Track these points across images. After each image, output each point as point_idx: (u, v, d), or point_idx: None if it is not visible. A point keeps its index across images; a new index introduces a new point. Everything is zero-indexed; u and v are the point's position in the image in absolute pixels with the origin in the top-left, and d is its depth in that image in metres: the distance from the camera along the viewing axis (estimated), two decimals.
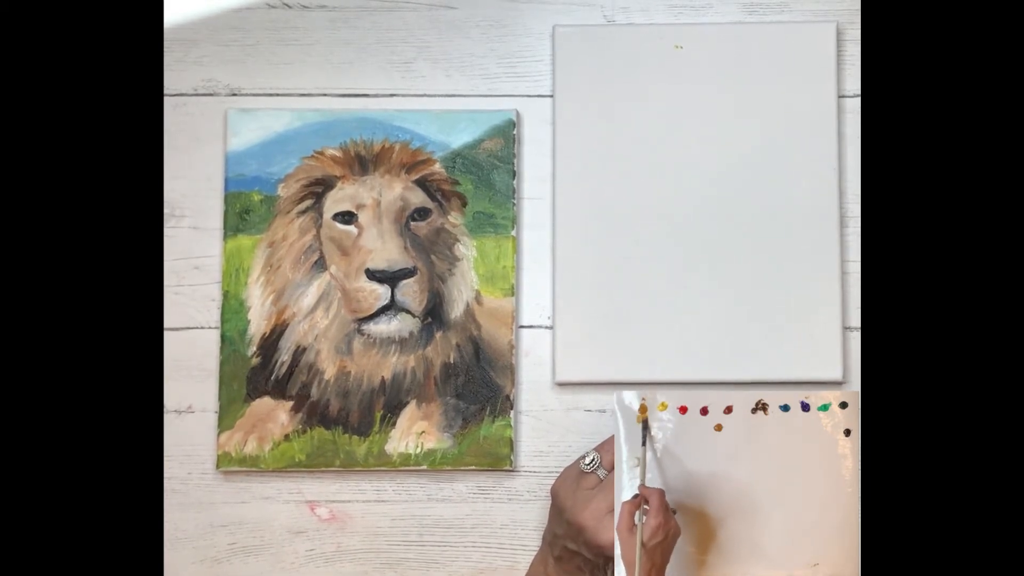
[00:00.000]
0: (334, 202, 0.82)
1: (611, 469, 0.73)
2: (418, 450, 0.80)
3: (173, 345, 0.82)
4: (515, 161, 0.83)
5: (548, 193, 0.83)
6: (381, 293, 0.81)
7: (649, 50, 0.83)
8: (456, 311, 0.81)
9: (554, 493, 0.75)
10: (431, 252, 0.81)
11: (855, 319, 0.81)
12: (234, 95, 0.84)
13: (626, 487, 0.72)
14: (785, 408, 0.74)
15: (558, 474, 0.76)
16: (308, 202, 0.82)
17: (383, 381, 0.80)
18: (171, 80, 0.84)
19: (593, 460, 0.74)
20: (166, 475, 0.81)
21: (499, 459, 0.80)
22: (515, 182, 0.82)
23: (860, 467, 0.72)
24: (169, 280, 0.82)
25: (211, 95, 0.84)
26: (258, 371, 0.81)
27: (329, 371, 0.81)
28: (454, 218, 0.82)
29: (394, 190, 0.82)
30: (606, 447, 0.74)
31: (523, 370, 0.82)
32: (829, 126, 0.82)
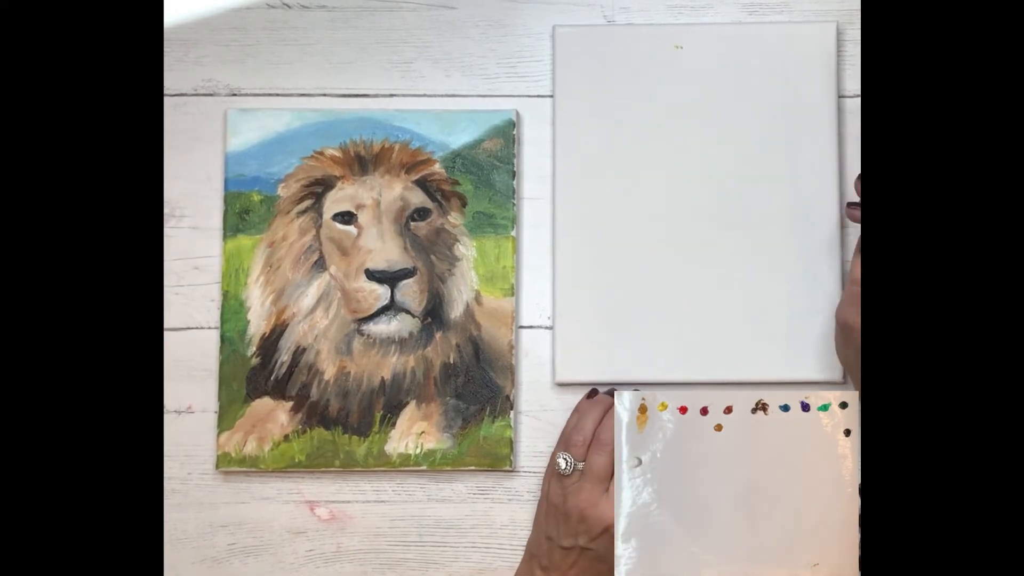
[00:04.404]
0: (334, 202, 0.82)
1: (582, 459, 0.75)
2: (418, 450, 0.80)
3: (173, 345, 0.82)
4: (515, 161, 0.82)
5: (548, 193, 0.83)
6: (381, 293, 0.81)
7: (649, 50, 0.83)
8: (456, 311, 0.81)
9: (549, 499, 0.76)
10: (431, 252, 0.81)
11: None
12: (234, 95, 0.84)
13: (626, 487, 0.72)
14: (785, 408, 0.74)
15: None
16: (308, 202, 0.82)
17: (383, 381, 0.80)
18: (171, 80, 0.84)
19: (567, 464, 0.75)
20: (166, 475, 0.81)
21: (499, 459, 0.80)
22: (515, 182, 0.82)
23: (860, 467, 0.72)
24: (169, 280, 0.82)
25: (211, 95, 0.84)
26: (258, 371, 0.81)
27: (329, 371, 0.80)
28: (454, 218, 0.82)
29: (394, 190, 0.82)
30: (564, 445, 0.76)
31: (523, 370, 0.82)
32: (829, 126, 0.82)
